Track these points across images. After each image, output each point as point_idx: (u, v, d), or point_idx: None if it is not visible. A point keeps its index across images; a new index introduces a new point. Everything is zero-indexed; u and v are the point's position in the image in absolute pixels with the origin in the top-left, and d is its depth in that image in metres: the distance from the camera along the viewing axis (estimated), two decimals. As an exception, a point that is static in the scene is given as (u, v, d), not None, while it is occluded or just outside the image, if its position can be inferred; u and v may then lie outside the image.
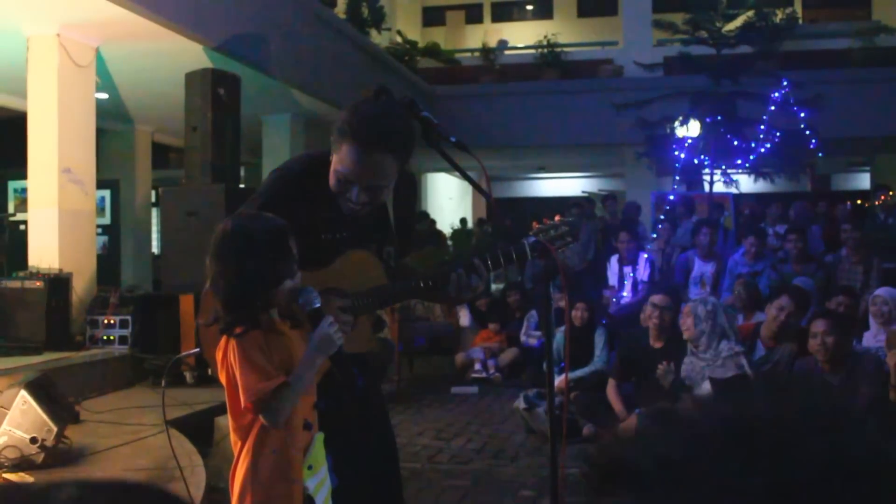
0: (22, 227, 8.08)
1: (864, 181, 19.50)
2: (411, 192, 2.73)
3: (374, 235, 2.56)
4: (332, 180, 2.39)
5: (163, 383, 4.82)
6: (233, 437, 2.15)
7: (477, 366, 9.04)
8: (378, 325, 2.67)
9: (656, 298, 6.54)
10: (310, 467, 2.16)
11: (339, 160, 2.35)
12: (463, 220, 16.77)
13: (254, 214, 2.21)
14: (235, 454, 2.15)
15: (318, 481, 2.18)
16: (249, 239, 2.10)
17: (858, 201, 15.84)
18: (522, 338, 9.11)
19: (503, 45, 19.29)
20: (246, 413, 2.09)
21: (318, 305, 2.15)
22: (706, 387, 5.66)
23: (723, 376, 5.60)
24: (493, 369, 9.02)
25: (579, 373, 7.10)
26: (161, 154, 13.20)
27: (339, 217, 2.44)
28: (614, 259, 9.56)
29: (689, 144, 12.55)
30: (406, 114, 2.41)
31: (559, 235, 2.50)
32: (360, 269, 2.47)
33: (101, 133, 7.99)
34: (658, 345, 6.44)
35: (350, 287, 2.45)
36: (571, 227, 2.52)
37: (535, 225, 2.54)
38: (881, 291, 6.27)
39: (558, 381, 5.95)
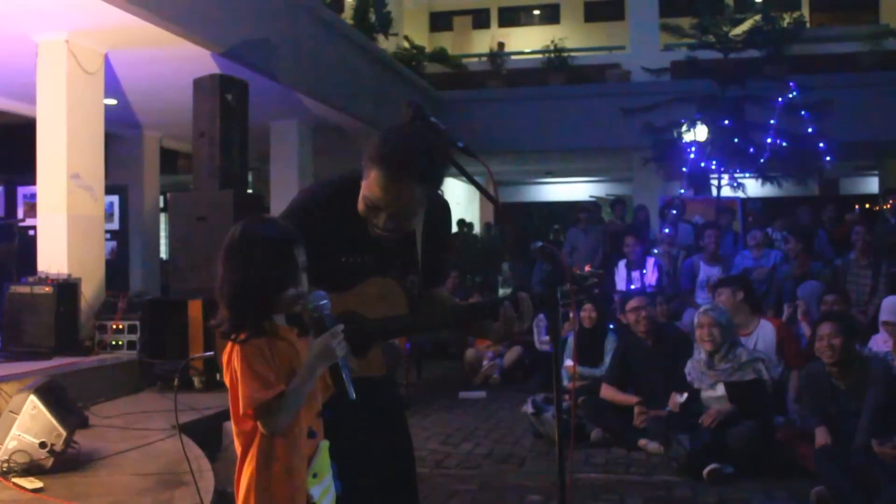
0: (31, 232, 8.10)
1: (872, 185, 19.44)
2: (444, 222, 2.69)
3: (398, 262, 2.53)
4: (360, 204, 2.37)
5: (175, 383, 4.83)
6: (236, 441, 2.16)
7: (488, 354, 9.10)
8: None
9: (633, 303, 6.60)
10: (314, 475, 2.16)
11: (368, 186, 2.33)
12: (461, 222, 16.69)
13: (263, 219, 2.22)
14: (238, 459, 2.15)
15: (323, 489, 2.19)
16: (252, 244, 2.10)
17: (867, 205, 15.80)
18: (536, 345, 9.11)
19: (501, 47, 19.32)
20: (247, 419, 2.10)
21: (327, 313, 2.15)
22: (720, 390, 5.67)
23: (741, 379, 5.62)
24: (497, 370, 9.05)
25: (588, 372, 7.11)
26: (169, 159, 13.24)
27: (364, 241, 2.43)
28: (622, 264, 9.55)
29: (696, 149, 12.55)
30: (439, 141, 2.38)
31: (589, 286, 2.48)
32: (382, 295, 2.46)
33: (109, 138, 8.01)
34: (650, 342, 6.50)
35: (369, 313, 2.44)
36: (599, 279, 2.50)
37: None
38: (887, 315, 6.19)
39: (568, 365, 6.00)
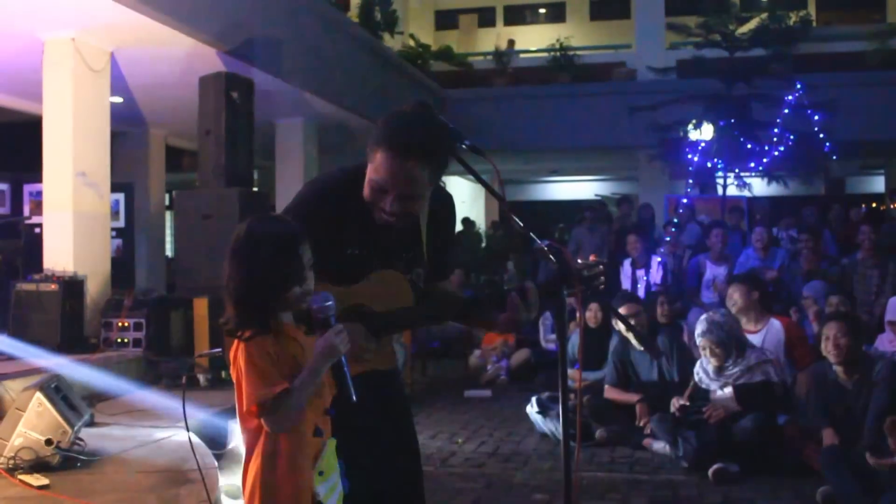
0: (37, 230, 8.12)
1: (878, 184, 19.40)
2: (449, 214, 2.70)
3: (403, 255, 2.54)
4: (366, 189, 2.38)
5: (183, 379, 4.82)
6: (242, 439, 2.16)
7: (493, 357, 9.07)
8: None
9: (622, 310, 6.55)
10: (320, 473, 2.15)
11: (374, 168, 2.35)
12: (465, 220, 16.68)
13: (268, 217, 2.22)
14: (244, 457, 2.15)
15: (329, 487, 2.18)
16: (258, 242, 2.10)
17: (873, 204, 15.76)
18: (542, 343, 9.08)
19: (511, 44, 19.34)
20: (252, 417, 2.10)
21: (332, 314, 2.15)
22: (728, 391, 5.66)
23: (750, 381, 5.61)
24: (503, 370, 9.03)
25: (594, 375, 7.10)
26: (175, 157, 13.24)
27: (369, 233, 2.43)
28: (627, 263, 9.53)
29: (702, 148, 12.52)
30: (443, 127, 2.40)
31: (594, 275, 2.48)
32: (388, 288, 2.46)
33: (115, 136, 8.02)
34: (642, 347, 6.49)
35: (375, 306, 2.44)
36: (605, 270, 2.49)
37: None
38: (893, 315, 6.21)
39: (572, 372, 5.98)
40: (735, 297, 6.48)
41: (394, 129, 2.33)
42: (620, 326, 6.52)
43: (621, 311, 6.57)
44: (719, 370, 5.73)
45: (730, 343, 5.71)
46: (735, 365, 5.69)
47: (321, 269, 2.22)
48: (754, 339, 6.19)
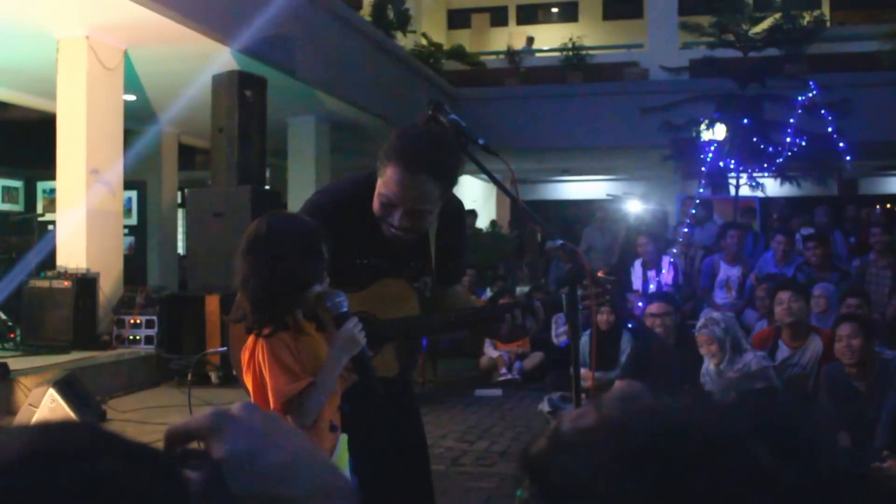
0: (50, 227, 8.17)
1: (892, 185, 19.30)
2: (459, 223, 2.69)
3: (412, 264, 2.53)
4: (375, 204, 2.38)
5: (188, 377, 4.83)
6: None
7: (502, 370, 9.03)
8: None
9: (652, 308, 6.51)
10: (335, 469, 2.16)
11: (384, 183, 2.34)
12: (493, 223, 16.70)
13: (287, 215, 2.22)
14: None
15: (343, 482, 2.19)
16: (282, 239, 2.10)
17: (888, 205, 15.68)
18: (553, 339, 9.06)
19: (530, 42, 19.33)
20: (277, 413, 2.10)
21: (345, 310, 2.15)
22: (731, 397, 5.62)
23: (751, 387, 5.57)
24: (516, 372, 9.00)
25: (605, 375, 7.08)
26: (187, 155, 13.28)
27: (377, 243, 2.43)
28: (638, 263, 9.50)
29: (715, 148, 12.48)
30: (454, 141, 2.40)
31: (602, 291, 2.47)
32: (393, 297, 2.46)
33: (128, 134, 8.06)
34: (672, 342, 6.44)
35: (380, 314, 2.45)
36: (613, 286, 2.50)
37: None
38: None
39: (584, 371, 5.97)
40: (795, 305, 5.85)
41: (404, 145, 2.32)
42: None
43: (652, 308, 6.50)
44: (719, 373, 5.70)
45: (724, 340, 5.66)
46: (732, 370, 5.64)
47: (329, 277, 2.22)
48: (796, 354, 5.84)
